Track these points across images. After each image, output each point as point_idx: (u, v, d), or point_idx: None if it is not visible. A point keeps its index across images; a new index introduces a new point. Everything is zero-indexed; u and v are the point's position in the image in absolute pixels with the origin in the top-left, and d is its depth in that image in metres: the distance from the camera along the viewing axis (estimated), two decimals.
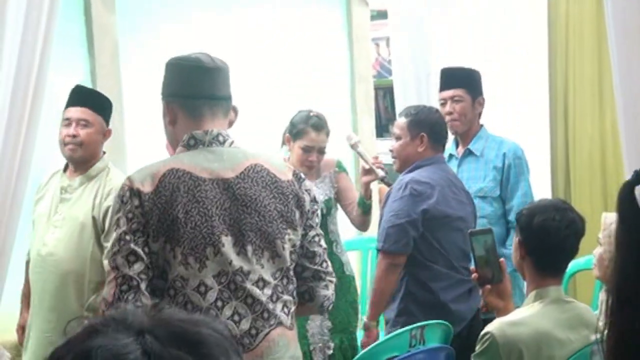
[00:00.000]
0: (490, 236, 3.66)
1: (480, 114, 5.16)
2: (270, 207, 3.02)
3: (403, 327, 4.10)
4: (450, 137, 5.11)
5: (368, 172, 4.87)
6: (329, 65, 7.42)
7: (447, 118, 5.06)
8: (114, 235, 2.91)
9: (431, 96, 5.18)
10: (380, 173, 4.79)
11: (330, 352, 4.73)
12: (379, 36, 7.99)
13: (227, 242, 2.94)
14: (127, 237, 2.88)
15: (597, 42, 5.49)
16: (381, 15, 7.28)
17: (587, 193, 5.59)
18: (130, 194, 2.90)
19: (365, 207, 4.89)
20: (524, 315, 3.42)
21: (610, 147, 5.53)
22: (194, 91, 3.07)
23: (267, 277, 3.01)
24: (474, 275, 3.62)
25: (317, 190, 4.64)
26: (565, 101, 5.70)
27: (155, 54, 6.57)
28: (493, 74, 5.39)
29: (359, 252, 6.25)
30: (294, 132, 4.88)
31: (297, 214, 3.09)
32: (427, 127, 4.59)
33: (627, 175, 3.67)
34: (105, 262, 2.93)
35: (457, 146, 5.19)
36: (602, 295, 4.13)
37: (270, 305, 3.01)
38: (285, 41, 7.23)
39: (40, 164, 4.63)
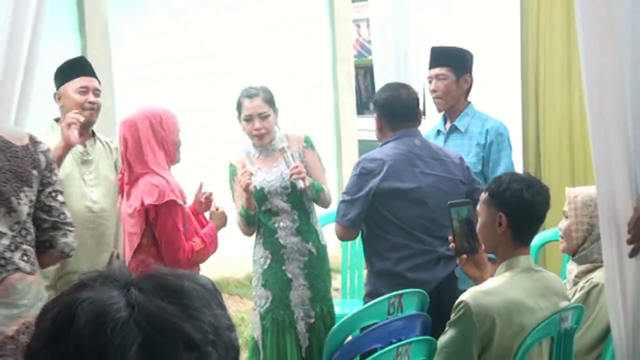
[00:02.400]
0: (467, 208, 3.72)
1: (467, 91, 5.13)
2: (4, 169, 3.24)
3: None
4: (440, 114, 5.16)
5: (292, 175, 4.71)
6: (312, 45, 7.45)
7: (433, 95, 5.09)
8: None
9: (409, 75, 5.19)
10: (300, 184, 4.62)
11: (312, 320, 4.72)
12: (359, 17, 8.01)
13: None
14: None
15: (566, 27, 5.52)
16: None
17: (556, 168, 5.64)
18: None
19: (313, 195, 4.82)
20: (496, 284, 3.47)
21: (578, 125, 5.58)
22: None
23: (4, 229, 3.24)
24: (452, 245, 3.69)
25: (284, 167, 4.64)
26: (536, 82, 5.75)
27: (145, 34, 6.57)
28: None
29: None
30: (237, 107, 4.79)
31: (35, 173, 3.32)
32: (379, 106, 4.58)
33: (593, 152, 3.71)
34: None
35: (445, 122, 5.17)
36: (569, 266, 4.17)
37: (8, 254, 3.25)
38: (269, 22, 7.24)
39: None
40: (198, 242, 4.12)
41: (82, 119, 4.20)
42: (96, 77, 4.50)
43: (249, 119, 4.70)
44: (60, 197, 3.43)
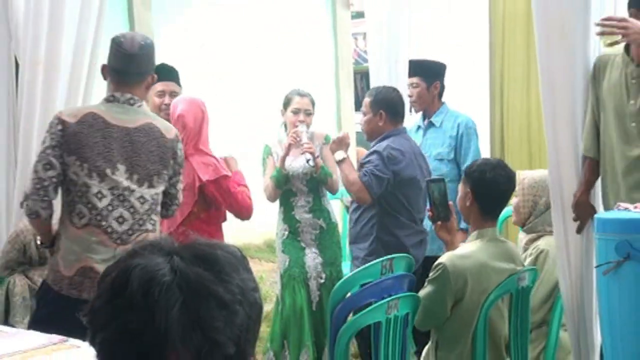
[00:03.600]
0: (443, 184, 3.74)
1: (440, 95, 5.17)
2: (154, 153, 3.35)
3: None
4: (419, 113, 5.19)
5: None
6: (319, 53, 7.47)
7: (409, 99, 5.14)
8: (40, 149, 3.24)
9: (399, 79, 5.17)
10: (307, 156, 4.64)
11: (322, 280, 4.72)
12: (357, 32, 8.00)
13: (121, 168, 3.27)
14: (48, 151, 3.20)
15: (527, 40, 5.49)
16: (359, 15, 7.26)
17: (517, 156, 5.57)
18: (57, 121, 3.23)
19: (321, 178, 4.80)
20: (469, 250, 3.50)
21: (535, 120, 5.51)
22: (116, 65, 3.34)
23: (147, 197, 3.34)
24: (429, 213, 3.72)
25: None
26: (501, 85, 5.69)
27: (182, 43, 6.62)
28: (446, 60, 5.43)
29: (341, 202, 6.10)
30: (284, 102, 4.82)
31: (171, 162, 3.41)
32: (384, 105, 4.58)
33: (548, 144, 3.73)
34: (32, 167, 3.28)
35: (424, 119, 5.23)
36: (520, 235, 4.21)
37: (145, 217, 3.33)
38: (285, 34, 7.25)
39: None
40: (244, 189, 4.18)
41: None
42: (174, 80, 4.45)
43: (296, 112, 4.74)
44: (179, 186, 3.53)
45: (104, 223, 3.25)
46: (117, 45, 3.32)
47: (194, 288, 1.16)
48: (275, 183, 4.70)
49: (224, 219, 4.26)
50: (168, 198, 3.49)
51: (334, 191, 4.88)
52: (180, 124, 3.99)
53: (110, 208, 3.26)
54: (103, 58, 4.10)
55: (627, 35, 3.39)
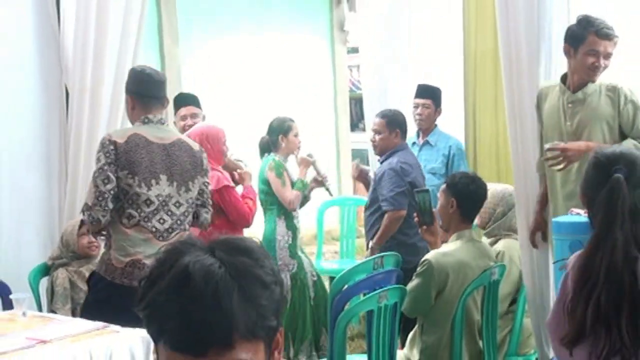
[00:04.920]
0: (428, 194, 3.74)
1: (436, 118, 5.15)
2: (187, 162, 3.39)
3: None
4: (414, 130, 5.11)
5: (318, 182, 4.61)
6: (319, 82, 7.46)
7: (417, 117, 5.06)
8: (97, 166, 3.28)
9: (388, 105, 5.12)
10: (327, 184, 4.56)
11: (315, 278, 4.58)
12: (352, 64, 8.00)
13: (163, 178, 3.31)
14: (105, 168, 3.23)
15: (495, 72, 5.44)
16: (354, 50, 7.19)
17: (487, 170, 5.50)
18: (108, 142, 3.28)
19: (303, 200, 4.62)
20: (450, 249, 3.51)
21: (502, 140, 5.44)
22: (146, 93, 3.37)
23: (183, 201, 3.37)
24: (416, 219, 3.71)
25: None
26: (474, 110, 5.67)
27: (204, 72, 6.62)
28: None
29: (339, 207, 6.18)
30: (285, 128, 4.56)
31: (200, 169, 3.44)
32: (398, 124, 4.56)
33: (514, 160, 3.72)
34: (90, 182, 3.31)
35: (418, 137, 5.15)
36: (483, 239, 4.08)
37: (182, 218, 3.37)
38: (291, 66, 7.24)
39: None
40: (250, 202, 4.17)
41: None
42: (194, 104, 4.51)
43: (297, 135, 4.58)
44: (209, 187, 3.56)
45: (149, 224, 3.29)
46: (148, 76, 3.39)
47: (243, 274, 1.15)
48: (303, 193, 4.49)
49: (244, 224, 4.21)
50: (203, 198, 3.49)
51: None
52: None
53: (155, 212, 3.30)
54: None
55: (570, 161, 3.43)
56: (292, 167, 4.67)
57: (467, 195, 3.55)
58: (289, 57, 7.18)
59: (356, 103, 7.88)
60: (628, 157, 2.32)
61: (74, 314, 3.52)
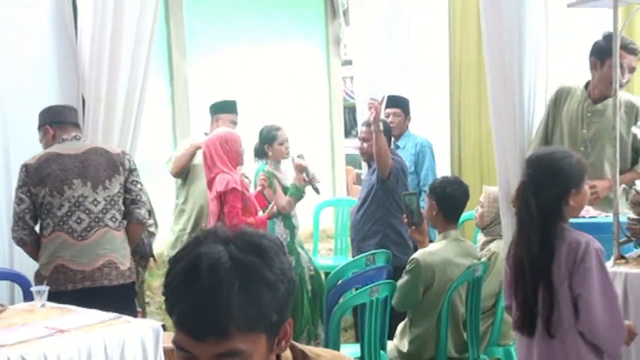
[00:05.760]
0: (416, 196, 3.78)
1: (407, 125, 5.15)
2: (103, 163, 3.38)
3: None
4: None
5: (306, 182, 4.41)
6: (316, 92, 7.45)
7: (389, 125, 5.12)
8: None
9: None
10: (315, 183, 4.40)
11: (312, 272, 4.51)
12: (346, 75, 8.01)
13: (76, 182, 3.32)
14: (17, 191, 3.34)
15: (478, 81, 5.48)
16: (348, 62, 7.18)
17: (471, 173, 5.47)
18: (21, 167, 3.36)
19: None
20: (436, 248, 3.52)
21: (485, 143, 5.44)
22: (63, 119, 3.49)
23: (100, 199, 3.34)
24: (405, 220, 3.73)
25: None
26: (459, 116, 5.65)
27: (209, 83, 6.61)
28: (416, 97, 5.42)
29: (334, 208, 6.19)
30: (269, 138, 4.47)
31: (120, 168, 3.42)
32: (387, 132, 4.51)
33: (497, 163, 3.70)
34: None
35: (390, 143, 5.20)
36: (479, 236, 4.19)
37: (100, 215, 3.33)
38: (289, 77, 7.23)
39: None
40: (252, 221, 4.11)
41: None
42: (233, 112, 4.78)
43: (283, 142, 4.48)
44: (138, 186, 3.48)
45: (65, 227, 3.30)
46: (61, 107, 3.56)
47: (248, 272, 1.16)
48: (297, 198, 4.41)
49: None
50: (132, 196, 3.45)
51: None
52: (205, 155, 4.19)
53: (69, 213, 3.31)
54: (149, 98, 4.12)
55: (598, 198, 3.45)
56: (289, 168, 4.65)
57: (446, 198, 3.54)
58: (287, 68, 7.18)
59: (349, 112, 7.89)
60: (535, 160, 2.45)
61: None
